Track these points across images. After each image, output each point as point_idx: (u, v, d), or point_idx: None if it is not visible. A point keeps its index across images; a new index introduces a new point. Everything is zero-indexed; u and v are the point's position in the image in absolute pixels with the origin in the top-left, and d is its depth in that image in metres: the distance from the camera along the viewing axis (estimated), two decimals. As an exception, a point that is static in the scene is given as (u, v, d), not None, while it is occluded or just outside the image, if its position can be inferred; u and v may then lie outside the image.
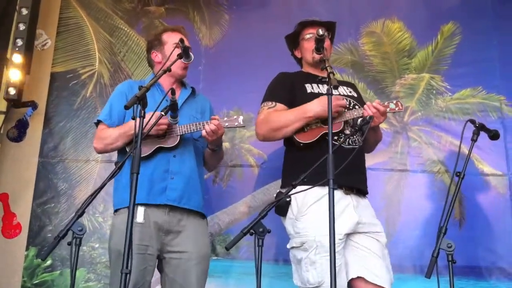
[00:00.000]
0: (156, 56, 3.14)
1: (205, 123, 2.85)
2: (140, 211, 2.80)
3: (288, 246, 2.87)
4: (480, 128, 2.79)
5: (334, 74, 2.47)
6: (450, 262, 2.46)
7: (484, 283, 3.79)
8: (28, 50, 4.18)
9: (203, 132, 2.84)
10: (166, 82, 3.09)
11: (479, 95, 4.20)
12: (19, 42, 4.11)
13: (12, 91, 4.06)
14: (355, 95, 3.17)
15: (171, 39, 3.09)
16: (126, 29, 4.47)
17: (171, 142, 2.89)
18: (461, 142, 2.69)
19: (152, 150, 2.87)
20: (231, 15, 4.47)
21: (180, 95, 3.09)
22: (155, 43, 3.17)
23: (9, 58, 4.14)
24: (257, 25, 4.41)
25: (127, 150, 2.90)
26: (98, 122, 3.05)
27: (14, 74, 4.08)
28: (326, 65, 2.54)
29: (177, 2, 4.54)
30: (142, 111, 2.36)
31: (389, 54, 4.35)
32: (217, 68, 4.29)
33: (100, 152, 3.09)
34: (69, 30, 4.47)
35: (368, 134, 2.98)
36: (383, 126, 4.09)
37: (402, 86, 4.27)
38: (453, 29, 4.36)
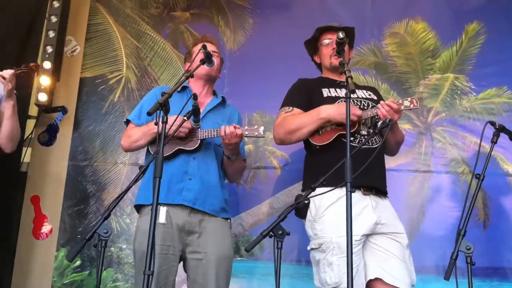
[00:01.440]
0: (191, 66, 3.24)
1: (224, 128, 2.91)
2: (162, 212, 2.88)
3: (308, 248, 2.92)
4: (501, 129, 2.80)
5: (352, 78, 2.50)
6: (469, 264, 2.48)
7: (508, 285, 3.76)
8: (58, 56, 4.32)
9: (221, 133, 2.90)
10: (195, 87, 3.19)
11: (505, 94, 4.15)
12: (49, 49, 4.25)
13: (42, 97, 4.20)
14: (375, 97, 3.19)
15: (198, 49, 3.17)
16: (152, 34, 4.57)
17: (191, 145, 2.97)
18: (480, 144, 2.72)
19: (173, 151, 2.96)
20: (255, 18, 4.53)
21: (210, 103, 3.19)
22: (186, 56, 3.35)
23: (40, 65, 4.25)
24: (280, 28, 4.44)
25: (151, 153, 2.99)
26: (127, 122, 3.17)
27: (44, 81, 4.22)
28: (345, 69, 2.58)
29: (201, 7, 4.62)
30: (165, 117, 2.43)
31: (413, 54, 4.34)
32: (242, 71, 4.36)
33: (126, 149, 3.19)
34: (97, 36, 4.60)
35: (387, 135, 3.02)
36: (406, 127, 4.12)
37: (426, 86, 4.25)
38: (477, 28, 4.31)
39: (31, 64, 3.37)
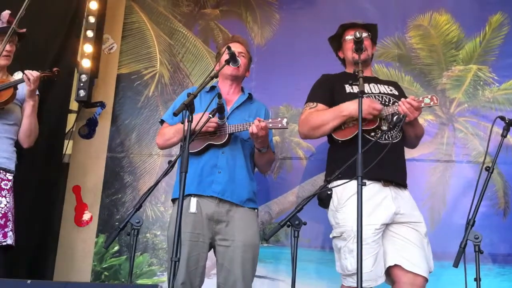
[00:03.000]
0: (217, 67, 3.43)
1: (251, 123, 3.08)
2: (193, 202, 3.11)
3: (331, 236, 3.08)
4: (510, 124, 2.90)
5: (363, 79, 2.67)
6: (477, 253, 2.56)
7: (527, 271, 3.86)
8: (96, 54, 4.59)
9: (250, 129, 3.08)
10: (223, 86, 3.41)
11: (527, 85, 4.22)
12: (88, 48, 4.51)
13: (82, 93, 4.46)
14: (396, 93, 3.30)
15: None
16: (184, 31, 4.77)
17: (220, 140, 3.17)
18: (489, 138, 2.86)
19: (203, 147, 3.17)
20: (281, 14, 4.67)
21: (237, 100, 3.38)
22: (216, 56, 3.51)
23: (80, 62, 4.53)
24: (306, 23, 4.58)
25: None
26: (162, 122, 3.41)
27: (84, 77, 4.49)
28: (358, 69, 2.74)
29: (230, 4, 4.79)
30: (190, 116, 2.61)
31: (436, 46, 4.41)
32: (269, 66, 4.49)
33: (161, 147, 3.43)
34: (132, 34, 4.84)
35: (407, 130, 3.17)
36: (429, 117, 4.22)
37: (449, 78, 4.32)
38: (501, 19, 4.35)
39: (54, 69, 3.54)
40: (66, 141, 4.52)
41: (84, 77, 4.48)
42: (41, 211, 4.18)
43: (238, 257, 3.08)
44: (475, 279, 2.53)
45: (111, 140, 4.60)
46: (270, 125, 3.10)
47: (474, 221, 2.66)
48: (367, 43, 3.23)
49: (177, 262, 2.42)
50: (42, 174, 4.20)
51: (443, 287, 3.61)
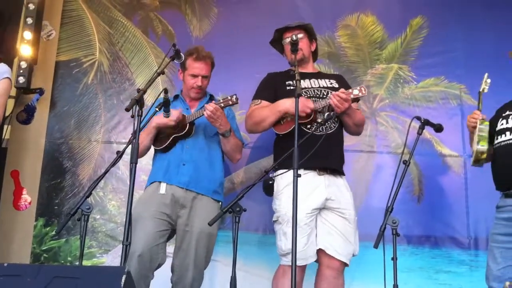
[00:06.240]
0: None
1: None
2: (163, 185, 3.43)
3: (272, 220, 3.43)
4: (425, 123, 3.29)
5: (300, 81, 2.97)
6: (394, 235, 2.92)
7: (437, 251, 4.32)
8: (35, 41, 4.59)
9: (205, 114, 3.35)
10: (187, 96, 3.71)
11: (442, 84, 4.64)
12: (27, 35, 4.53)
13: (21, 80, 4.49)
14: (337, 86, 3.58)
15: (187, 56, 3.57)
16: (123, 21, 4.86)
17: (182, 131, 3.46)
18: (407, 136, 3.23)
19: (169, 141, 3.48)
20: (219, 8, 4.85)
21: (200, 103, 3.68)
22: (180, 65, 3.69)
23: (19, 49, 4.55)
24: (244, 17, 4.81)
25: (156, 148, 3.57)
26: None
27: (23, 64, 4.51)
28: (295, 72, 3.03)
29: (170, -5, 4.92)
30: (140, 111, 2.79)
31: (362, 46, 4.77)
32: (206, 58, 4.69)
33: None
34: (72, 21, 4.86)
35: (344, 119, 3.49)
36: (354, 112, 4.56)
37: (373, 75, 4.71)
38: (421, 22, 4.77)
39: None
40: (5, 126, 4.51)
41: (23, 64, 4.51)
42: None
43: (193, 243, 3.36)
44: (392, 258, 2.88)
45: (50, 126, 4.64)
46: (222, 104, 3.39)
47: (392, 208, 3.00)
48: (302, 43, 3.53)
49: (127, 246, 2.61)
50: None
51: (365, 265, 3.98)
